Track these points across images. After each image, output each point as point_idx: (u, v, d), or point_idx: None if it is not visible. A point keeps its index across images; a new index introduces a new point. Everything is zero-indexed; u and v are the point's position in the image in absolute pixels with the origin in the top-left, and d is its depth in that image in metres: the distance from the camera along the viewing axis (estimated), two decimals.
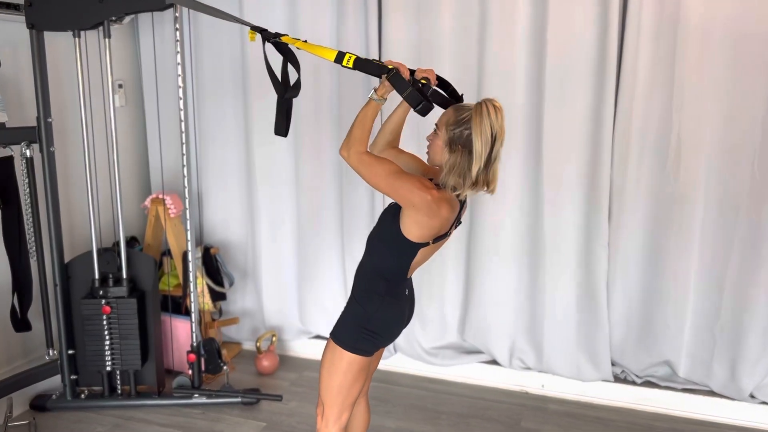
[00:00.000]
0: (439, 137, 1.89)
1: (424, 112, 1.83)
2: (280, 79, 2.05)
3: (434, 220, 1.86)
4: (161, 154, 3.41)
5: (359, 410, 2.32)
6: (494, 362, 3.39)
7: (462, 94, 2.05)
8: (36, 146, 2.86)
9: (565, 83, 2.95)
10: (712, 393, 3.07)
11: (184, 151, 3.04)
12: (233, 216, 3.71)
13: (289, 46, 2.02)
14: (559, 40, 2.92)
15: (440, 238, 1.95)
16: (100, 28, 2.85)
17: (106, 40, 2.87)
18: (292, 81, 2.05)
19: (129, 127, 3.71)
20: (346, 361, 1.97)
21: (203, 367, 3.20)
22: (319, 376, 2.06)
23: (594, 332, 3.14)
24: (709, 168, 2.87)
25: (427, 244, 1.93)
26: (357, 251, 3.28)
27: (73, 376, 3.08)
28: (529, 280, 3.22)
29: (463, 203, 1.99)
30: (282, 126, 2.06)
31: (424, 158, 2.04)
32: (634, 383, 3.18)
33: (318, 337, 3.68)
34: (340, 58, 1.90)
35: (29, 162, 2.84)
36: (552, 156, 3.03)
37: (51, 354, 3.02)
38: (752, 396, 2.99)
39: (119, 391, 3.13)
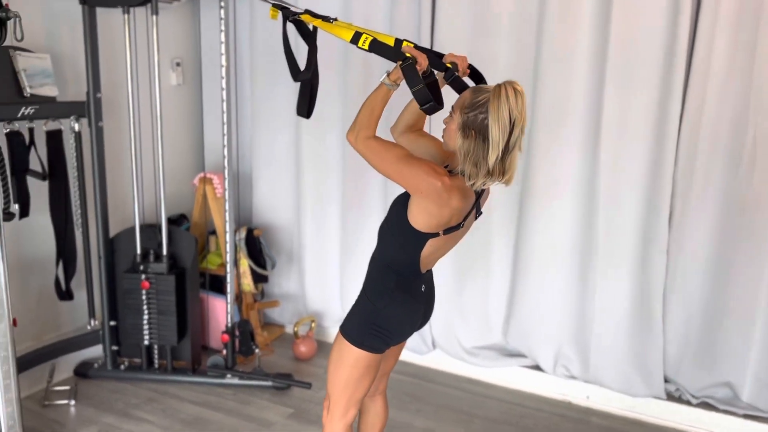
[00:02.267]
0: (453, 121, 1.75)
1: (430, 112, 1.71)
2: (307, 60, 1.96)
3: (444, 209, 1.74)
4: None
5: (375, 408, 2.23)
6: (537, 368, 3.20)
7: None
8: (85, 121, 2.93)
9: (629, 72, 2.71)
10: None
11: (225, 132, 3.02)
12: (280, 200, 3.69)
13: (308, 24, 1.93)
14: (625, 24, 2.68)
15: (452, 229, 1.82)
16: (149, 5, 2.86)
17: (154, 17, 2.88)
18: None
19: (186, 105, 3.75)
20: (354, 356, 1.88)
21: (237, 348, 3.20)
22: (327, 369, 1.99)
23: (647, 344, 2.90)
24: None
25: (436, 235, 1.80)
26: None
27: (114, 347, 3.16)
28: (579, 283, 3.01)
29: (480, 193, 1.85)
30: (304, 107, 1.97)
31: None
32: (689, 403, 2.91)
33: None
34: (356, 38, 1.79)
35: (78, 136, 2.90)
36: (610, 151, 2.80)
37: (93, 324, 3.12)
38: None
39: (156, 365, 3.19)
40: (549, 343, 3.13)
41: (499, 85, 1.66)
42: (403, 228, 1.81)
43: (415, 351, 3.40)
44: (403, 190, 1.85)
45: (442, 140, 1.85)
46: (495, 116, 1.64)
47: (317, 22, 1.90)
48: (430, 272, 1.99)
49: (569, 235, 2.99)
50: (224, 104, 3.00)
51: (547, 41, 2.84)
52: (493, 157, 1.66)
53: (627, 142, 2.77)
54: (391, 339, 1.92)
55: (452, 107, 1.77)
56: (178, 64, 3.64)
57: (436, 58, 1.83)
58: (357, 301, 1.97)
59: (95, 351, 3.22)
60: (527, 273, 3.09)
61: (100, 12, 2.93)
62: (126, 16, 2.90)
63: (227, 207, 3.12)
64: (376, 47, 1.77)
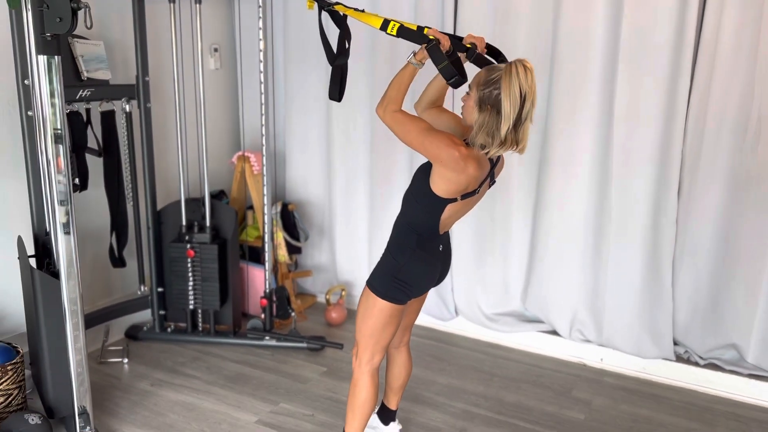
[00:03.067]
0: (470, 97, 1.96)
1: (456, 86, 1.91)
2: (336, 47, 2.18)
3: (461, 176, 1.94)
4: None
5: (401, 359, 2.46)
6: (554, 332, 3.41)
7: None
8: (135, 102, 3.18)
9: (640, 54, 2.87)
10: None
11: (263, 112, 3.26)
12: (312, 176, 3.93)
13: (341, 13, 2.14)
14: (637, 8, 2.84)
15: (469, 195, 2.02)
16: None
17: (197, 5, 3.11)
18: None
19: (223, 88, 3.99)
20: (378, 307, 2.11)
21: (274, 312, 3.46)
22: (355, 322, 2.22)
23: (657, 309, 3.09)
24: None
25: (455, 200, 2.01)
26: None
27: (162, 312, 3.43)
28: (593, 253, 3.20)
29: (495, 163, 2.05)
30: (335, 91, 2.18)
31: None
32: (697, 364, 3.10)
33: None
34: (385, 25, 2.00)
35: (128, 116, 3.16)
36: (623, 129, 2.98)
37: (142, 290, 3.39)
38: None
39: (200, 329, 3.46)
40: (565, 309, 3.33)
41: (510, 63, 1.86)
42: (425, 194, 2.02)
43: (438, 317, 3.63)
44: (425, 161, 2.06)
45: (461, 116, 2.05)
46: (507, 91, 1.83)
47: (349, 12, 2.11)
48: (447, 234, 2.20)
49: (584, 208, 3.17)
50: (262, 86, 3.23)
51: (564, 26, 3.01)
52: (504, 127, 1.86)
53: (638, 121, 2.94)
54: (411, 292, 2.13)
55: (469, 85, 1.98)
56: (215, 50, 3.88)
57: (456, 40, 2.04)
58: (382, 258, 2.18)
59: (144, 315, 3.51)
60: (545, 244, 3.29)
61: (148, 2, 3.17)
62: (171, 5, 3.14)
63: (265, 183, 3.36)
64: (404, 32, 1.98)
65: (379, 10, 3.32)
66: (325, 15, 2.18)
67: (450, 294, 3.59)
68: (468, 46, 2.02)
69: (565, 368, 3.27)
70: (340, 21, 2.15)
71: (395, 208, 3.60)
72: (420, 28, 2.02)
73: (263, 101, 3.25)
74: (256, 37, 3.78)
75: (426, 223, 2.08)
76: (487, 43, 2.08)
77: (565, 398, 2.97)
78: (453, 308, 3.61)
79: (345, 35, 2.13)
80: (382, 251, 2.19)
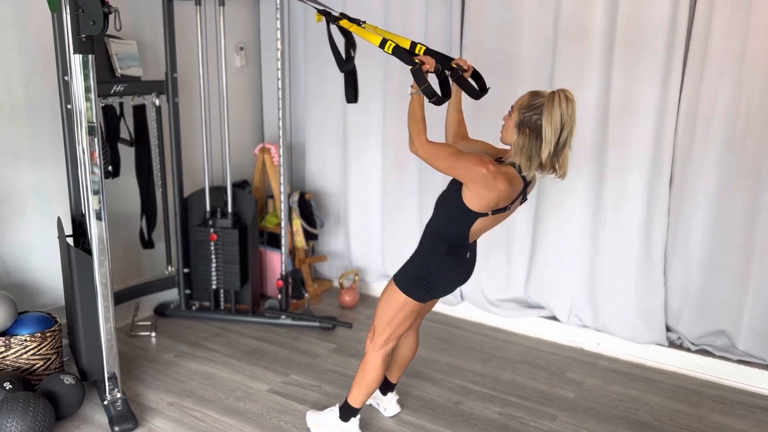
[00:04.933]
0: (511, 119, 2.09)
1: (437, 104, 2.11)
2: (344, 54, 2.41)
3: (492, 192, 2.06)
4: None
5: (409, 340, 2.65)
6: (554, 318, 3.58)
7: (489, 88, 2.33)
8: (164, 97, 3.46)
9: (634, 50, 3.01)
10: None
11: (280, 106, 3.50)
12: (329, 167, 4.16)
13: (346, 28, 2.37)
14: (631, 5, 2.98)
15: (500, 210, 2.14)
16: None
17: (221, 7, 3.37)
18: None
19: (248, 84, 4.25)
20: (401, 301, 2.28)
21: (290, 293, 3.71)
22: (376, 308, 2.40)
23: (649, 296, 3.23)
24: None
25: (486, 214, 2.13)
26: (432, 207, 3.59)
27: (187, 291, 3.71)
28: (590, 242, 3.36)
29: (528, 182, 2.17)
30: (351, 94, 2.41)
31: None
32: (688, 350, 3.24)
33: None
34: (382, 44, 2.21)
35: (158, 110, 3.44)
36: (618, 121, 3.13)
37: (169, 270, 3.68)
38: None
39: (222, 307, 3.72)
40: (564, 296, 3.49)
41: (553, 92, 2.00)
42: (457, 205, 2.15)
43: (446, 303, 3.83)
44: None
45: (501, 134, 2.17)
46: (549, 118, 1.97)
47: (353, 28, 2.34)
48: (475, 242, 2.33)
49: (582, 200, 3.33)
50: (279, 83, 3.47)
51: (562, 31, 3.17)
52: (545, 152, 2.00)
53: (632, 116, 3.09)
54: (435, 293, 2.30)
55: (511, 107, 2.12)
56: (241, 48, 4.14)
57: (445, 60, 2.24)
58: (412, 258, 2.32)
59: (171, 294, 3.79)
60: (545, 235, 3.46)
61: (177, 4, 3.44)
62: (198, 7, 3.40)
63: (282, 173, 3.60)
64: (397, 52, 2.19)
65: (389, 25, 3.56)
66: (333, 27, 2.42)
67: None
68: (454, 66, 2.22)
69: (562, 351, 3.44)
70: (346, 31, 2.38)
71: (406, 199, 3.85)
72: (413, 44, 2.23)
73: (281, 96, 3.49)
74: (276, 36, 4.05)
75: (456, 233, 2.21)
76: (471, 67, 2.29)
77: (558, 378, 3.15)
78: (459, 294, 3.81)
79: (350, 45, 2.35)
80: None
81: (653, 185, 3.12)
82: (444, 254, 2.23)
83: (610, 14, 3.05)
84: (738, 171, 2.95)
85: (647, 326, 3.27)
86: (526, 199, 2.28)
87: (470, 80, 2.28)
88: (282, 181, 3.61)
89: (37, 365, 2.77)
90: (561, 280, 3.48)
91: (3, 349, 2.71)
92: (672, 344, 3.29)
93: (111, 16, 2.35)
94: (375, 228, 4.04)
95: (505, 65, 3.36)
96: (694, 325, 3.22)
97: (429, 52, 2.24)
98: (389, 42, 2.20)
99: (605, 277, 3.33)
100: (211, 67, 3.66)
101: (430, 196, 3.69)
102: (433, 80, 2.18)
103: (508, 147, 2.17)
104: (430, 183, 3.68)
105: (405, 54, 2.18)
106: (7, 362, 2.72)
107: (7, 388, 2.53)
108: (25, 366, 2.75)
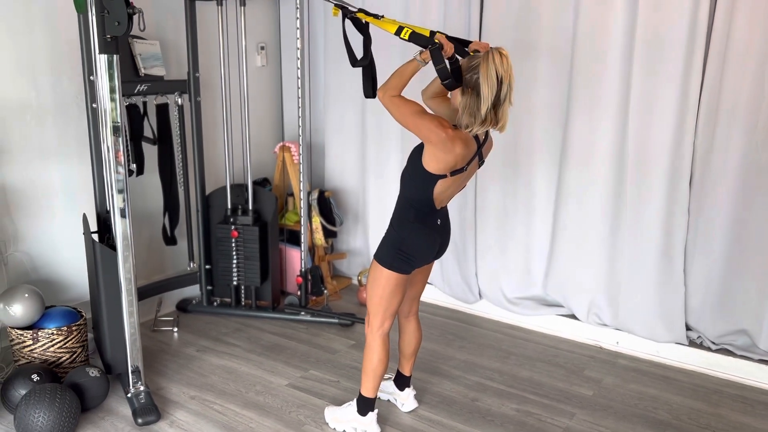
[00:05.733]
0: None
1: (449, 87, 2.16)
2: (363, 51, 2.43)
3: (449, 155, 2.18)
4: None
5: (410, 328, 2.70)
6: (572, 316, 3.58)
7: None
8: (186, 96, 3.51)
9: (655, 48, 3.00)
10: None
11: (299, 105, 3.54)
12: (348, 166, 4.19)
13: (363, 20, 2.39)
14: (652, 4, 2.97)
15: (457, 172, 2.26)
16: None
17: (242, 7, 3.42)
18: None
19: (269, 84, 4.30)
20: (385, 276, 2.36)
21: (309, 290, 3.75)
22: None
23: (670, 295, 3.22)
24: None
25: (444, 176, 2.24)
26: (450, 206, 3.61)
27: (209, 287, 3.77)
28: (610, 241, 3.35)
29: (481, 143, 2.28)
30: (369, 89, 2.44)
31: None
32: (708, 349, 3.22)
33: None
34: (399, 31, 2.25)
35: (180, 109, 3.49)
36: (638, 120, 3.11)
37: (191, 266, 3.74)
38: None
39: (243, 303, 3.78)
40: (584, 294, 3.48)
41: (488, 51, 2.10)
42: (418, 171, 2.27)
43: (463, 300, 3.84)
44: (419, 142, 2.30)
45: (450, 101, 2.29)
46: (485, 75, 2.07)
47: (369, 19, 2.36)
48: (444, 209, 2.43)
49: (602, 198, 3.31)
50: (299, 81, 3.51)
51: (582, 26, 3.16)
52: (484, 108, 2.10)
53: (652, 114, 3.07)
54: (414, 261, 2.37)
55: None
56: (262, 48, 4.19)
57: (462, 48, 2.26)
58: (386, 232, 2.43)
59: (193, 290, 3.86)
60: (565, 232, 3.45)
61: (199, 5, 3.50)
62: (219, 7, 3.45)
63: (302, 171, 3.64)
64: (414, 37, 2.22)
65: (409, 17, 3.58)
66: (347, 22, 2.44)
67: (474, 278, 3.80)
68: (471, 53, 2.24)
69: (580, 350, 3.43)
70: (362, 27, 2.40)
71: None
72: (432, 33, 2.25)
73: (300, 95, 3.53)
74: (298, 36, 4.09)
75: (421, 198, 2.31)
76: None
77: (577, 376, 3.15)
78: (477, 291, 3.82)
79: (368, 41, 2.38)
80: None
81: (673, 183, 3.10)
82: (413, 220, 2.33)
83: (630, 7, 3.04)
84: (759, 169, 2.92)
85: (667, 325, 3.25)
86: (483, 161, 2.37)
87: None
88: (302, 179, 3.65)
89: (63, 358, 2.85)
90: (580, 278, 3.47)
91: (31, 342, 2.78)
92: (692, 343, 3.27)
93: (135, 17, 2.40)
94: None
95: (525, 52, 3.36)
96: (715, 324, 3.20)
97: (449, 39, 2.26)
98: (405, 29, 2.23)
99: (625, 276, 3.32)
100: (232, 66, 3.71)
101: None
102: None
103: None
104: None
105: (422, 38, 2.21)
106: (35, 355, 2.80)
107: (34, 380, 2.60)
108: (51, 359, 2.82)
